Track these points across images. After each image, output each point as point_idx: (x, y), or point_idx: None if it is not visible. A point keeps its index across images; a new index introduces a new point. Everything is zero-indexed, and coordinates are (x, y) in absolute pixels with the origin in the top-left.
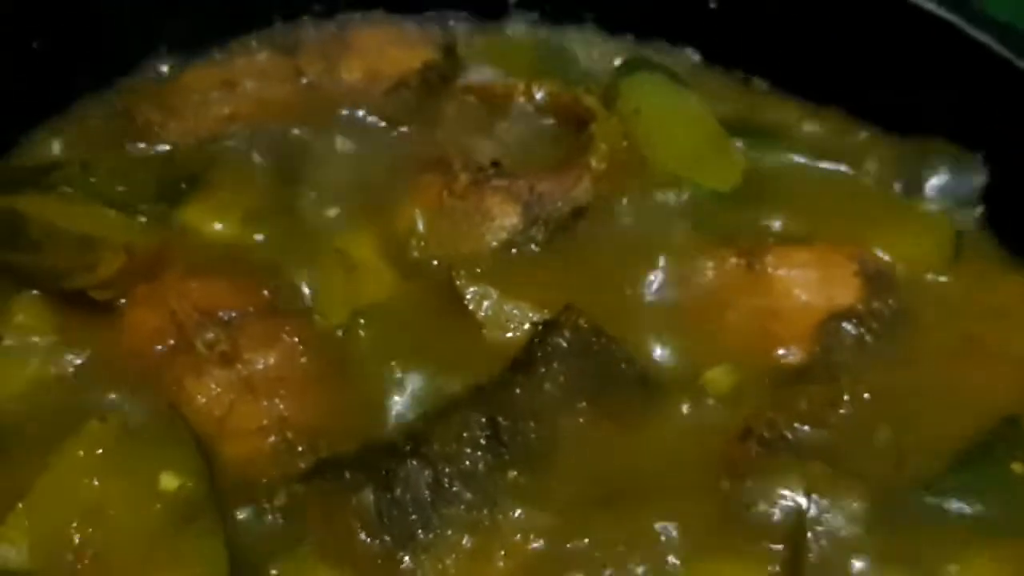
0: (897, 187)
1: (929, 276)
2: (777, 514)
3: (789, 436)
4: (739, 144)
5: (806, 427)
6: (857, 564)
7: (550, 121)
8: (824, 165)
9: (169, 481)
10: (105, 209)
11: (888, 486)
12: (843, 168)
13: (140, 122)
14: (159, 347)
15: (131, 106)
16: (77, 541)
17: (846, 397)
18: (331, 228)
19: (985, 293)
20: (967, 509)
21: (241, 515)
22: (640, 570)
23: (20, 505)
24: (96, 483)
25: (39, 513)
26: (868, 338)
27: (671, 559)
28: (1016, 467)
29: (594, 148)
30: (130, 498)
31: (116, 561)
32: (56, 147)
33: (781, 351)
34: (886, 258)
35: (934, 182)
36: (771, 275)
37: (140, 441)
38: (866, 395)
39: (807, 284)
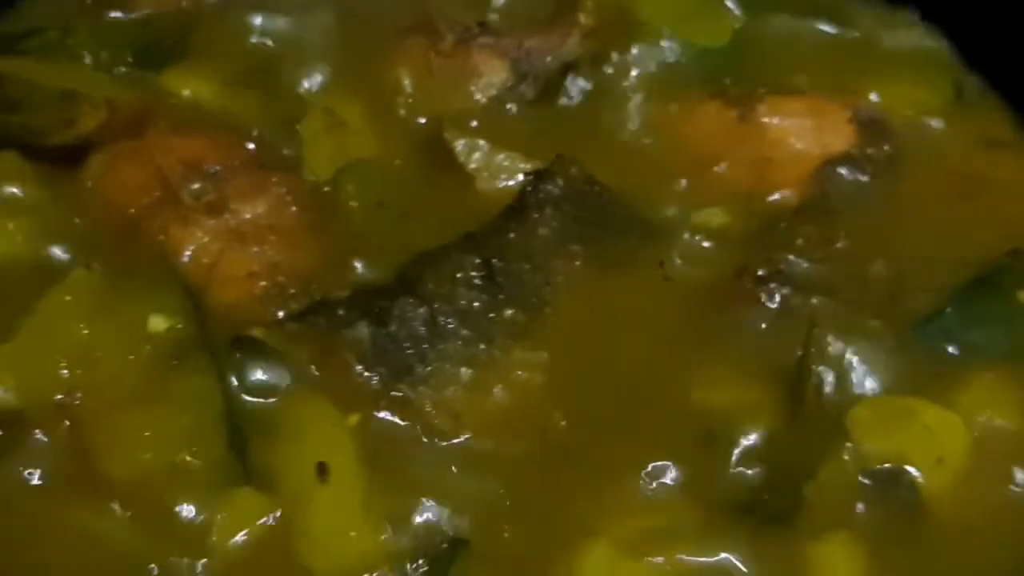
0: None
1: (926, 120)
2: (779, 347)
3: (784, 271)
4: (731, 3)
5: (802, 262)
6: (860, 393)
7: None
8: (818, 25)
9: (158, 323)
10: (86, 67)
11: (890, 320)
12: (836, 29)
13: None
14: (144, 200)
15: None
16: (66, 381)
17: (842, 232)
18: (315, 90)
19: (985, 135)
20: (973, 339)
21: (234, 356)
22: (633, 400)
23: (6, 346)
24: (83, 327)
25: (25, 355)
26: (864, 180)
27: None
28: (1022, 296)
29: (582, 4)
30: (119, 341)
31: (106, 400)
32: (34, 16)
33: (775, 195)
34: (880, 104)
35: None
36: (764, 124)
37: (127, 287)
38: (862, 231)
39: (801, 132)
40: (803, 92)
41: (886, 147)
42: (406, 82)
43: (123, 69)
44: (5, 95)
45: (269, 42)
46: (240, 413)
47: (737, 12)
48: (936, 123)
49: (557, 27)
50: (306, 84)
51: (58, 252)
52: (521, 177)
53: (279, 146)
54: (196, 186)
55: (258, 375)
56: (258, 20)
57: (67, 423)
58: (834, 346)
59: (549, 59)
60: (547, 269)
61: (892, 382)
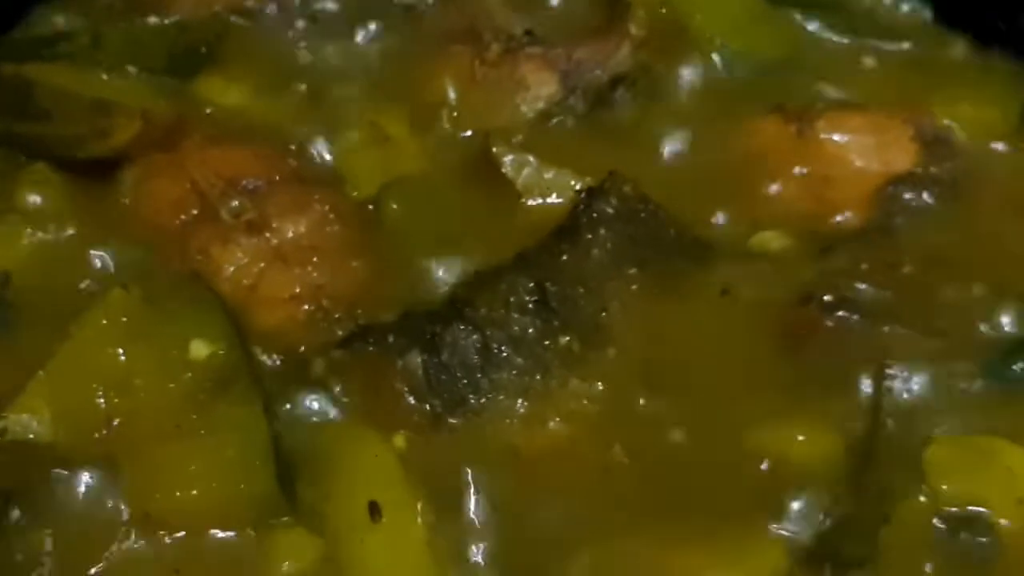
0: None
1: (992, 144)
2: (848, 381)
3: (851, 298)
4: (792, 14)
5: (869, 288)
6: (935, 431)
7: None
8: (881, 41)
9: (200, 349)
10: (119, 75)
11: (963, 350)
12: (902, 45)
13: None
14: (181, 217)
15: None
16: (103, 411)
17: (907, 257)
18: (356, 101)
19: None
20: None
21: (280, 384)
22: (697, 436)
23: (41, 373)
24: (121, 352)
25: (62, 382)
26: (929, 201)
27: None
28: None
29: (632, 14)
30: (159, 367)
31: (145, 430)
32: (63, 21)
33: (837, 217)
34: (946, 123)
35: None
36: (823, 141)
37: (166, 310)
38: (928, 256)
39: (861, 149)
40: (864, 107)
41: (949, 166)
42: (450, 93)
43: (155, 76)
44: (35, 103)
45: (307, 49)
46: (287, 446)
47: (793, 22)
48: (1001, 144)
49: (607, 37)
50: (347, 93)
51: (93, 270)
52: (572, 194)
53: (320, 160)
54: (235, 203)
55: (304, 405)
56: (297, 25)
57: (105, 456)
58: (906, 379)
59: (599, 71)
60: (602, 293)
61: (967, 418)
